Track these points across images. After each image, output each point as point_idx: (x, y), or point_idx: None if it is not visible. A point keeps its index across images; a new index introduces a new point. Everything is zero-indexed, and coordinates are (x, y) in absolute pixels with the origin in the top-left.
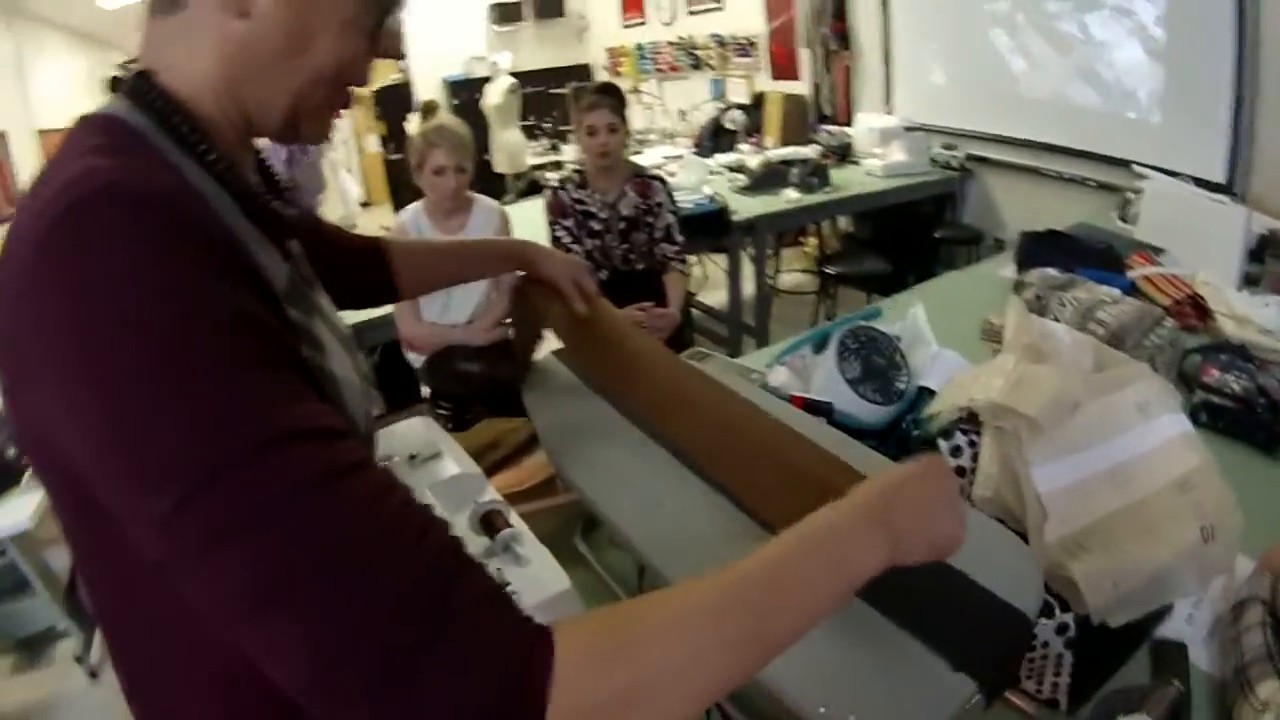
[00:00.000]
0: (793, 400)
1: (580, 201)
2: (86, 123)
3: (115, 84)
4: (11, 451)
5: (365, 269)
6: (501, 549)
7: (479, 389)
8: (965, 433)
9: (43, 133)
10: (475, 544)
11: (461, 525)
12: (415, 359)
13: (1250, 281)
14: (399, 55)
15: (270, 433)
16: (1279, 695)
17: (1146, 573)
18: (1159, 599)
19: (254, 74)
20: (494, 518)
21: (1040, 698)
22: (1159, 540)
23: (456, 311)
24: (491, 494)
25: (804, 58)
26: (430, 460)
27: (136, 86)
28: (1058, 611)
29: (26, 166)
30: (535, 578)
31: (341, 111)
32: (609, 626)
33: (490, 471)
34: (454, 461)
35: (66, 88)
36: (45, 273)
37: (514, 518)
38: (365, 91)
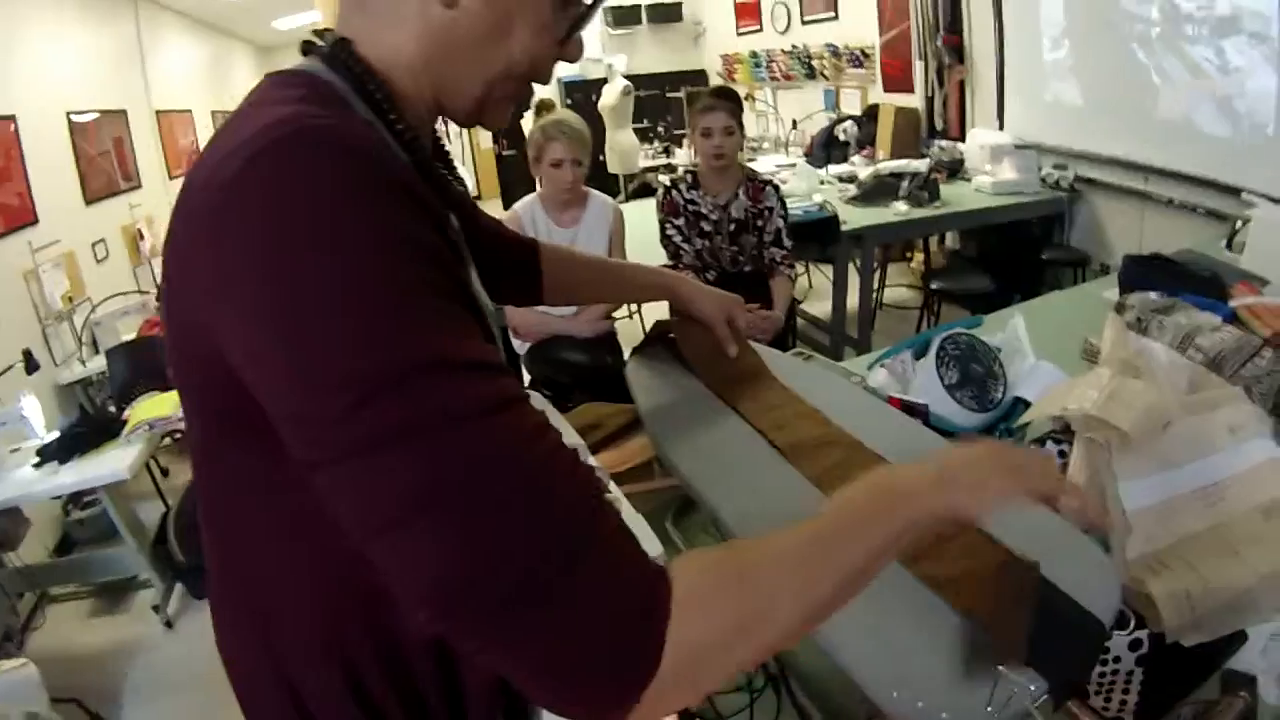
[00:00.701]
0: (890, 401)
1: (692, 202)
2: (281, 77)
3: (308, 48)
4: (112, 407)
5: (514, 265)
6: None
7: (581, 379)
8: (1058, 442)
9: (160, 113)
10: None
11: None
12: (520, 345)
13: None
14: (576, 59)
15: (446, 354)
16: None
17: (1227, 595)
18: (1238, 622)
19: (452, 59)
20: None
21: (1108, 716)
22: (1242, 563)
23: None
24: (594, 465)
25: (918, 70)
26: None
27: (336, 51)
28: (1132, 625)
29: (145, 146)
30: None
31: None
32: (719, 567)
33: (592, 451)
34: (562, 433)
35: (183, 72)
36: (246, 189)
37: (613, 488)
38: None
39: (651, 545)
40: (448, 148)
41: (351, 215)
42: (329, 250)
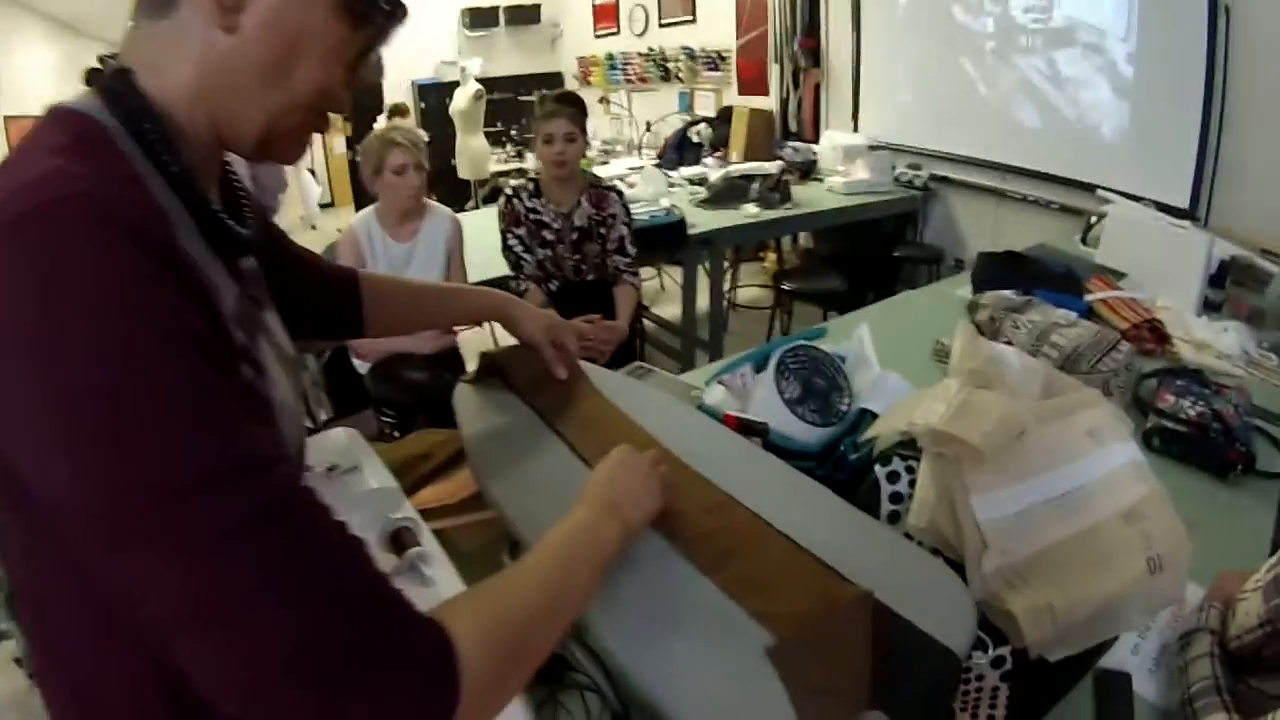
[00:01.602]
0: (726, 420)
1: (534, 210)
2: (55, 117)
3: (92, 77)
4: None
5: (333, 299)
6: (407, 568)
7: (424, 397)
8: (904, 458)
9: (10, 119)
10: (383, 561)
11: (371, 542)
12: (361, 365)
13: (1210, 307)
14: (377, 83)
15: (214, 464)
16: None
17: (1090, 606)
18: (1102, 633)
19: (231, 91)
20: (403, 535)
21: None
22: (1105, 572)
23: None
24: (406, 511)
25: (773, 73)
26: (349, 473)
27: (114, 84)
28: (992, 646)
29: None
30: (439, 599)
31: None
32: (487, 615)
33: (420, 483)
34: (371, 475)
35: (40, 75)
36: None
37: (425, 536)
38: None
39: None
40: (240, 186)
41: (109, 308)
42: (85, 352)
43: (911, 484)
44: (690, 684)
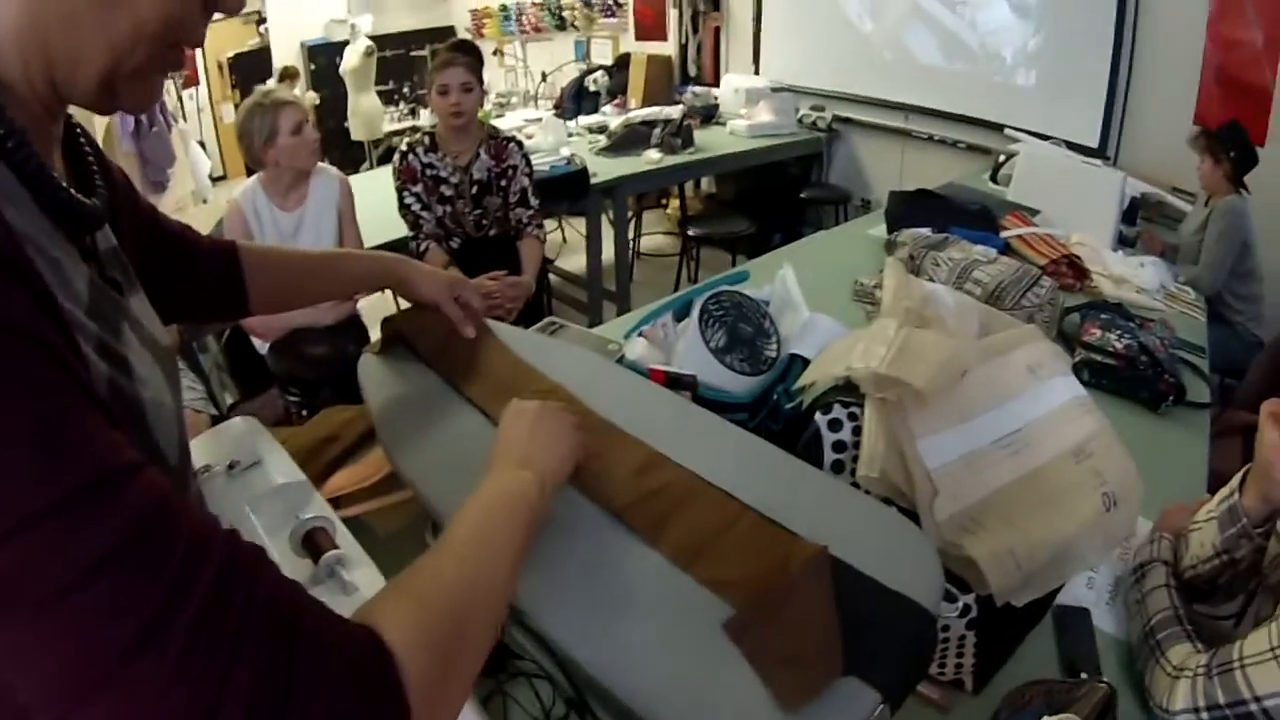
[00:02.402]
0: (652, 374)
1: (430, 165)
2: None
3: None
4: None
5: (214, 278)
6: (326, 574)
7: (328, 371)
8: (845, 405)
9: None
10: (298, 568)
11: (283, 544)
12: (261, 344)
13: (1124, 243)
14: (236, 10)
15: (48, 493)
16: (1192, 659)
17: (1050, 548)
18: (1065, 574)
19: (66, 25)
20: (317, 537)
21: (944, 680)
22: (1061, 512)
23: None
24: (317, 508)
25: (671, 18)
26: (251, 469)
27: None
28: (959, 596)
29: None
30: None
31: (172, 74)
32: (415, 606)
33: (331, 467)
34: (276, 470)
35: None
36: None
37: (342, 535)
38: (221, 59)
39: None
40: (88, 149)
41: None
42: None
43: (855, 431)
44: (645, 665)
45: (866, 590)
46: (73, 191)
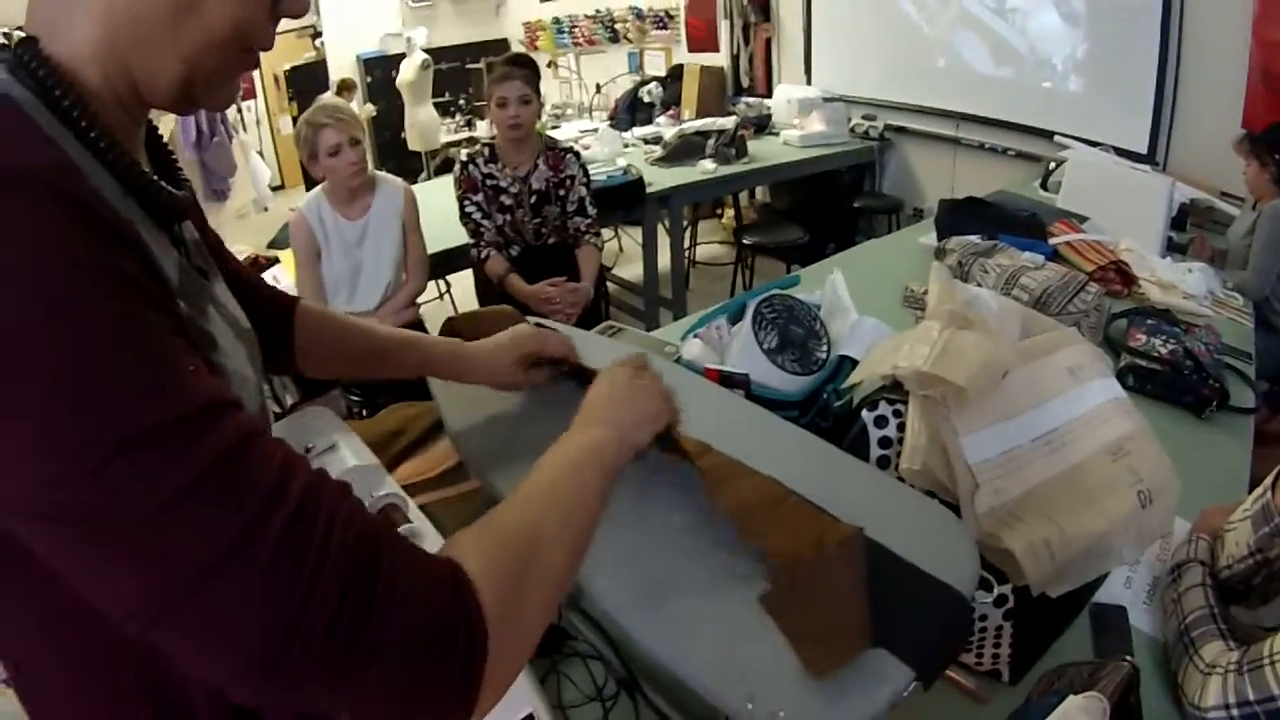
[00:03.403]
0: (707, 373)
1: (490, 176)
2: None
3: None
4: None
5: (263, 327)
6: None
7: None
8: (891, 402)
9: None
10: None
11: None
12: None
13: (1174, 249)
14: (301, 13)
15: (148, 419)
16: (1224, 656)
17: (1085, 542)
18: (1099, 568)
19: (140, 39)
20: (391, 513)
21: (981, 670)
22: (1096, 508)
23: (364, 296)
24: (390, 487)
25: (723, 29)
26: (326, 453)
27: (18, 55)
28: (995, 585)
29: None
30: None
31: (248, 74)
32: (490, 537)
33: (397, 459)
34: (351, 454)
35: None
36: None
37: (414, 512)
38: (278, 71)
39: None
40: (170, 146)
41: (44, 278)
42: (24, 327)
43: (899, 428)
44: (690, 636)
45: (905, 573)
46: (161, 183)
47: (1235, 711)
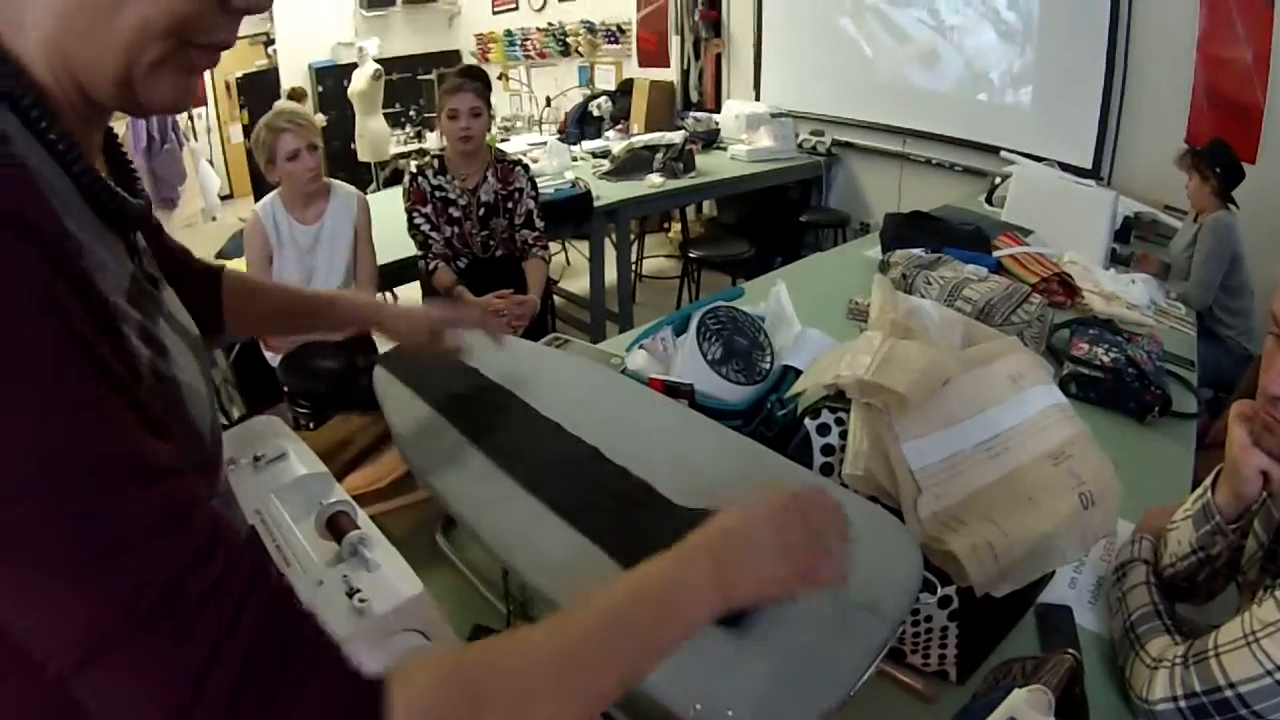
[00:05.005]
0: (651, 383)
1: (440, 188)
2: None
3: None
4: None
5: (194, 295)
6: (349, 553)
7: (338, 384)
8: (833, 410)
9: None
10: (322, 549)
11: (307, 529)
12: (273, 357)
13: (1118, 261)
14: (259, 8)
15: (93, 463)
16: (1170, 650)
17: (1028, 543)
18: (1042, 567)
19: (82, 31)
20: (340, 520)
21: (929, 670)
22: (1039, 510)
23: None
24: (339, 494)
25: (674, 44)
26: (275, 461)
27: None
28: (939, 586)
29: None
30: (386, 583)
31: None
32: (450, 679)
33: (344, 470)
34: (300, 462)
35: None
36: None
37: (363, 519)
38: (229, 79)
39: (410, 585)
40: (127, 153)
41: None
42: None
43: (842, 435)
44: None
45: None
46: (119, 191)
47: (1183, 704)
